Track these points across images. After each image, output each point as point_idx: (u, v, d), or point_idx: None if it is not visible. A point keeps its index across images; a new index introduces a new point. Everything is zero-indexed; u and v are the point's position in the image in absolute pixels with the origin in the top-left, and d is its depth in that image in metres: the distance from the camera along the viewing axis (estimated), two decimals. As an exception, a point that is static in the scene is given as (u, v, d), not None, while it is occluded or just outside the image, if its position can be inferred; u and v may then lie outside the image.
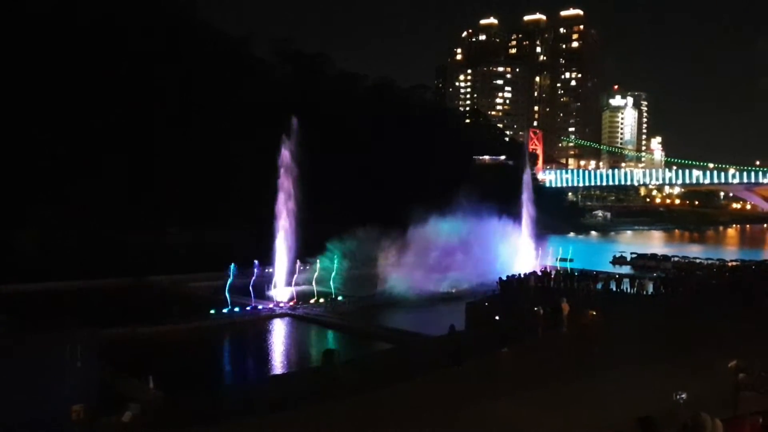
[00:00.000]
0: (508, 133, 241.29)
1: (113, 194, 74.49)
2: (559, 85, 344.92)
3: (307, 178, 57.22)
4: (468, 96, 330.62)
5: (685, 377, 17.82)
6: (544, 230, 75.83)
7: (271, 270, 53.63)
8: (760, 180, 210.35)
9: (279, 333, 46.23)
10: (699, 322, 31.04)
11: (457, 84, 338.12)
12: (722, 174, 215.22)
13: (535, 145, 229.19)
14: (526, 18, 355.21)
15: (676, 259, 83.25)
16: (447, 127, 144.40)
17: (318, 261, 55.97)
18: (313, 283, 54.41)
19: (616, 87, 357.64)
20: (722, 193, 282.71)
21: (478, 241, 65.88)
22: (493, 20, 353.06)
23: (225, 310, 47.85)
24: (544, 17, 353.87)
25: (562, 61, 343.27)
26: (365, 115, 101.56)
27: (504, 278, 49.10)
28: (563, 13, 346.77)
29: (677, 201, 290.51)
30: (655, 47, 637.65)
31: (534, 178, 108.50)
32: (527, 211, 70.94)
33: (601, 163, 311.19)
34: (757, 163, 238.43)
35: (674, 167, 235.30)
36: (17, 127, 71.57)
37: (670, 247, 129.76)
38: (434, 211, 71.76)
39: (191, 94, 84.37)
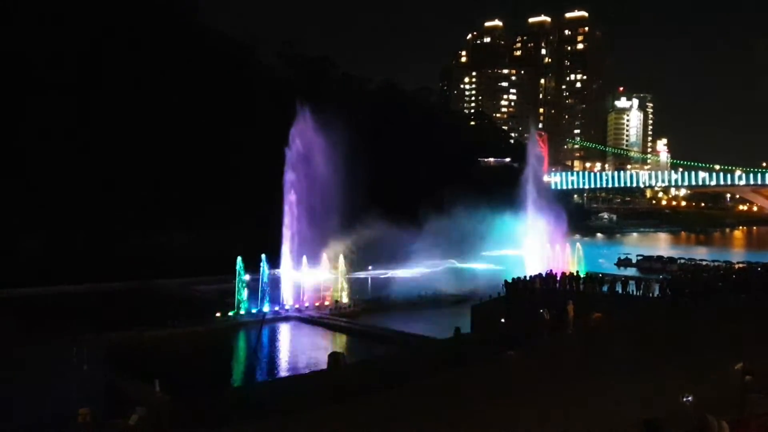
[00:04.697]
0: (513, 135, 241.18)
1: (118, 197, 74.75)
2: (564, 87, 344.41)
3: (311, 181, 57.32)
4: (473, 98, 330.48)
5: (691, 379, 17.77)
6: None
7: (277, 272, 53.75)
8: (767, 181, 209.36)
9: (285, 336, 46.33)
10: (705, 324, 30.93)
11: (461, 86, 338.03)
12: (728, 175, 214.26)
13: (541, 147, 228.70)
14: (531, 20, 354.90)
15: (682, 261, 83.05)
16: (452, 129, 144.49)
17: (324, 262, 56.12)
18: (320, 286, 54.56)
19: (621, 89, 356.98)
20: (728, 195, 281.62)
21: None
22: (497, 22, 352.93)
23: (231, 313, 48.02)
24: (548, 19, 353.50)
25: (567, 63, 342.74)
26: (369, 119, 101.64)
27: (510, 281, 49.01)
28: (568, 14, 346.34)
29: (683, 203, 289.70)
30: (660, 48, 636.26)
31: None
32: (543, 213, 70.89)
33: (606, 165, 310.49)
34: (764, 164, 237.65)
35: (680, 169, 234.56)
36: (20, 130, 71.92)
37: (676, 249, 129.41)
38: (439, 212, 72.26)
39: (194, 98, 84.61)
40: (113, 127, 77.23)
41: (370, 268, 69.08)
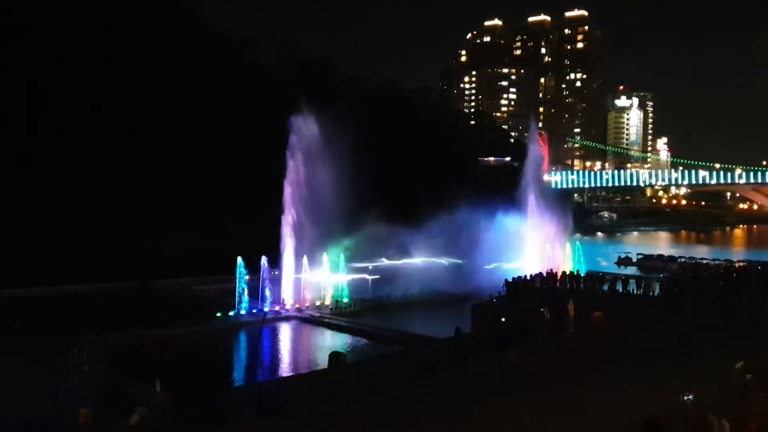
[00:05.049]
0: (513, 134, 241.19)
1: (119, 197, 74.76)
2: (564, 86, 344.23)
3: (311, 181, 57.33)
4: (473, 98, 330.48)
5: (692, 378, 17.76)
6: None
7: (277, 272, 53.77)
8: (767, 180, 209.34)
9: (285, 336, 46.36)
10: (706, 323, 30.94)
11: (461, 86, 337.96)
12: (729, 174, 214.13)
13: (541, 146, 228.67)
14: (531, 19, 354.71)
15: (682, 259, 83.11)
16: (452, 129, 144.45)
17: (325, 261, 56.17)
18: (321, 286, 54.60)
19: (621, 87, 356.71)
20: (729, 194, 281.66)
21: None
22: (497, 21, 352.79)
23: (231, 313, 48.02)
24: (548, 18, 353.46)
25: (567, 62, 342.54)
26: (369, 118, 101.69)
27: (510, 280, 49.06)
28: (568, 13, 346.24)
29: (683, 201, 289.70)
30: (660, 47, 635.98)
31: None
32: (548, 212, 71.00)
33: (606, 164, 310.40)
34: (764, 163, 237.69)
35: (680, 168, 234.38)
36: (22, 131, 71.95)
37: (677, 247, 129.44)
38: (439, 212, 72.34)
39: (195, 98, 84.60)
40: (113, 126, 77.23)
41: (370, 267, 69.15)
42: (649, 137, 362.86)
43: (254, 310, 48.82)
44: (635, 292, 46.46)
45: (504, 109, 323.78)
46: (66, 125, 74.23)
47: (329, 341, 43.45)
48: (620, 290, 45.93)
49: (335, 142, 58.13)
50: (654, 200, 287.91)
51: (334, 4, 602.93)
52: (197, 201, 79.37)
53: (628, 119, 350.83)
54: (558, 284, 48.11)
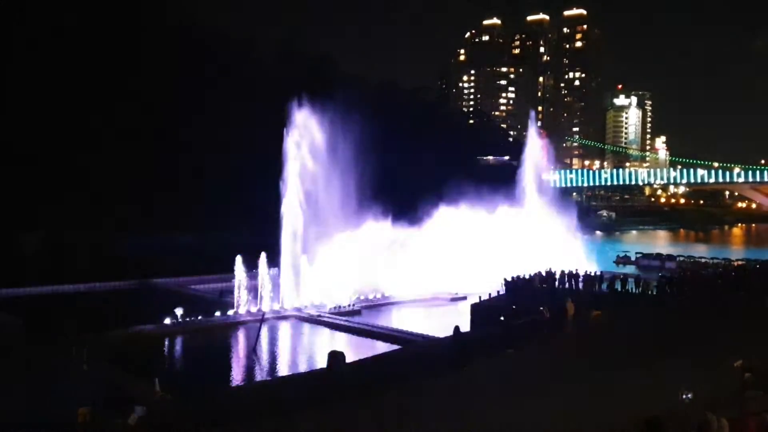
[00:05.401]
0: (512, 133, 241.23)
1: (118, 197, 74.78)
2: (562, 85, 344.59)
3: (310, 179, 57.27)
4: (472, 97, 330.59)
5: (691, 377, 17.78)
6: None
7: (276, 271, 53.71)
8: (766, 179, 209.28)
9: (284, 335, 46.31)
10: (705, 322, 30.95)
11: (460, 85, 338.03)
12: (727, 173, 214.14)
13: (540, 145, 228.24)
14: (530, 18, 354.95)
15: (681, 258, 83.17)
16: (451, 128, 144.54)
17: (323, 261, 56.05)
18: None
19: (620, 86, 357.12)
20: (727, 193, 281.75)
21: None
22: (496, 21, 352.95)
23: (230, 312, 47.99)
24: (547, 17, 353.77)
25: (566, 61, 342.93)
26: (368, 117, 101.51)
27: (509, 278, 49.02)
28: (566, 12, 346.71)
29: (682, 200, 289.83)
30: (659, 46, 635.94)
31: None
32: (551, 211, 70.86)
33: (605, 163, 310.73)
34: (762, 162, 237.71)
35: (679, 166, 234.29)
36: (23, 130, 71.93)
37: (675, 246, 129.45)
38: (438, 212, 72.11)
39: (193, 97, 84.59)
40: (113, 126, 77.24)
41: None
42: (648, 136, 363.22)
43: (253, 309, 48.78)
44: (634, 290, 46.46)
45: (503, 108, 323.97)
46: (65, 125, 74.22)
47: (328, 340, 43.40)
48: (619, 289, 45.92)
49: (334, 141, 58.09)
50: (653, 199, 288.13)
51: (334, 4, 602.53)
52: (196, 200, 79.40)
53: (626, 118, 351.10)
54: (557, 283, 48.05)
